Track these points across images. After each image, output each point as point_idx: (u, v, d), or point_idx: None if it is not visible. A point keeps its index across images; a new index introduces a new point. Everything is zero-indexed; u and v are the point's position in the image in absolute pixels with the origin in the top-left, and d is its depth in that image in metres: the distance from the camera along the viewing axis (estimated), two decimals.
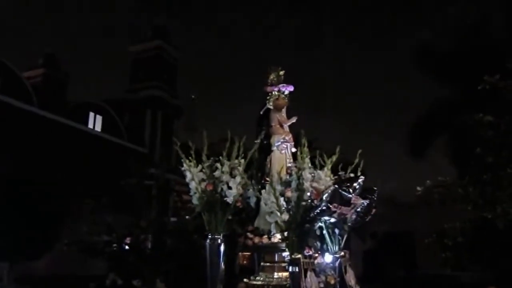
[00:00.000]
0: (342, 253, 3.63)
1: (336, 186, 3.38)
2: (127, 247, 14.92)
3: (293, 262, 3.22)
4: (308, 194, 3.40)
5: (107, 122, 23.04)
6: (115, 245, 15.05)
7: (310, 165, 3.62)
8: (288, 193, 3.37)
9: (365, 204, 3.51)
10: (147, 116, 25.31)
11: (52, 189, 15.60)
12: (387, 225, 17.90)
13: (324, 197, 3.30)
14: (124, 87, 26.42)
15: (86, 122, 21.97)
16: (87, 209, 15.15)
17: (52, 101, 20.47)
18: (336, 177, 3.82)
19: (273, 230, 3.51)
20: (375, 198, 3.59)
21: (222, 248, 3.55)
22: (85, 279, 12.65)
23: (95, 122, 22.56)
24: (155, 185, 17.69)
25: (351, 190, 3.41)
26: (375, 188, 3.65)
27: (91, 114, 22.45)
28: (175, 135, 26.18)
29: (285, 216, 3.31)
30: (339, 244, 3.65)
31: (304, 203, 3.36)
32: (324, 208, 3.28)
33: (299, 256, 3.22)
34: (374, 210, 3.60)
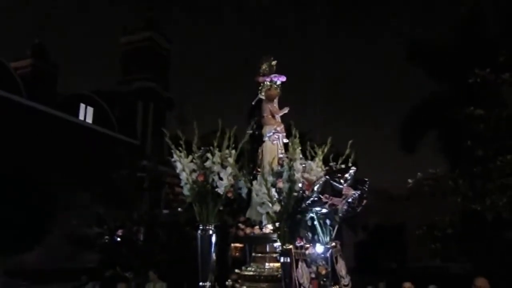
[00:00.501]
0: (333, 244, 3.65)
1: (328, 177, 3.36)
2: (118, 239, 14.92)
3: (284, 252, 3.21)
4: (300, 185, 3.38)
5: (99, 114, 22.84)
6: (106, 237, 15.05)
7: (301, 156, 3.60)
8: (280, 184, 3.34)
9: (357, 195, 3.51)
10: (138, 108, 25.13)
11: (43, 181, 15.44)
12: (379, 217, 18.07)
13: (315, 188, 3.29)
14: (116, 79, 26.17)
15: (77, 114, 21.74)
16: (78, 201, 15.12)
17: (42, 92, 20.19)
18: (327, 167, 3.81)
19: (265, 221, 3.49)
20: (367, 189, 3.60)
21: (213, 239, 3.54)
22: (76, 271, 12.65)
23: (86, 114, 22.34)
24: (147, 177, 17.67)
25: (342, 181, 3.39)
26: (366, 179, 3.66)
27: (82, 106, 22.23)
28: (167, 127, 26.09)
29: (277, 207, 3.28)
30: (330, 235, 3.67)
31: (295, 194, 3.33)
32: (315, 199, 3.27)
33: (291, 247, 3.20)
34: (365, 201, 3.61)
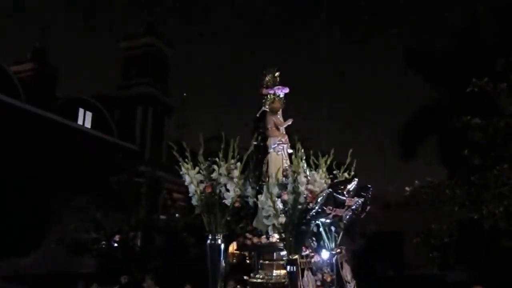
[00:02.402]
0: (339, 250, 3.75)
1: (331, 189, 3.44)
2: (115, 244, 14.87)
3: (290, 262, 3.30)
4: (304, 197, 3.45)
5: (97, 119, 22.85)
6: (103, 242, 14.99)
7: (305, 165, 3.69)
8: (285, 196, 3.43)
9: (360, 202, 3.61)
10: (137, 113, 25.15)
11: (40, 186, 15.42)
12: (376, 224, 18.06)
13: (319, 200, 3.37)
14: (115, 84, 26.22)
15: (75, 118, 21.75)
16: (76, 206, 15.08)
17: (41, 96, 20.22)
18: (331, 176, 3.89)
19: (271, 232, 3.57)
20: (370, 196, 3.67)
21: (222, 247, 3.65)
22: (72, 276, 12.59)
23: (84, 119, 22.35)
24: (145, 182, 17.62)
25: (345, 193, 3.48)
26: (370, 186, 3.73)
27: (81, 110, 22.24)
28: (166, 132, 26.09)
29: (282, 219, 3.37)
30: (336, 241, 3.78)
31: (300, 206, 3.42)
32: (319, 210, 3.35)
33: (296, 256, 3.29)
34: (368, 207, 3.69)
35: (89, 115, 22.55)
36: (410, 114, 15.54)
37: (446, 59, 14.29)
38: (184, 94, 28.61)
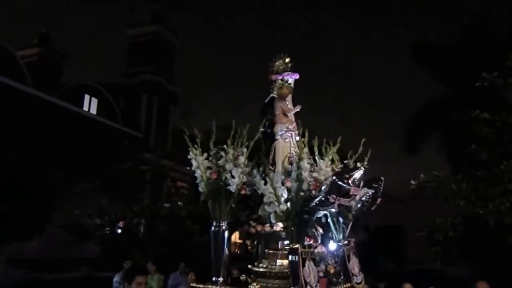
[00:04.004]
0: (346, 242, 3.67)
1: (335, 177, 3.35)
2: (119, 230, 14.96)
3: (291, 251, 3.24)
4: (307, 184, 3.37)
5: (103, 105, 22.89)
6: (107, 228, 15.09)
7: (309, 155, 3.62)
8: (288, 183, 3.36)
9: (370, 193, 3.51)
10: (143, 100, 25.16)
11: (45, 171, 15.49)
12: (379, 218, 18.05)
13: (322, 188, 3.29)
14: (121, 71, 26.19)
15: (81, 105, 21.78)
16: (80, 192, 15.16)
17: (47, 82, 20.23)
18: (341, 165, 3.84)
19: (273, 220, 3.53)
20: (381, 188, 3.58)
21: (226, 235, 3.62)
22: (76, 261, 12.70)
23: (90, 105, 22.39)
24: (149, 170, 17.66)
25: (350, 182, 3.39)
26: (382, 178, 3.67)
27: (87, 97, 22.27)
28: (171, 120, 26.09)
29: (283, 207, 3.31)
30: (343, 232, 3.71)
31: (302, 193, 3.34)
32: (323, 199, 3.27)
33: (297, 246, 3.23)
34: (379, 200, 3.61)
35: (94, 101, 22.59)
36: (416, 107, 15.42)
37: (455, 53, 14.11)
38: (191, 84, 28.53)
